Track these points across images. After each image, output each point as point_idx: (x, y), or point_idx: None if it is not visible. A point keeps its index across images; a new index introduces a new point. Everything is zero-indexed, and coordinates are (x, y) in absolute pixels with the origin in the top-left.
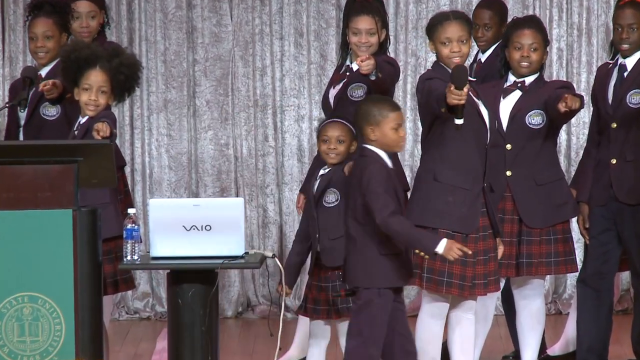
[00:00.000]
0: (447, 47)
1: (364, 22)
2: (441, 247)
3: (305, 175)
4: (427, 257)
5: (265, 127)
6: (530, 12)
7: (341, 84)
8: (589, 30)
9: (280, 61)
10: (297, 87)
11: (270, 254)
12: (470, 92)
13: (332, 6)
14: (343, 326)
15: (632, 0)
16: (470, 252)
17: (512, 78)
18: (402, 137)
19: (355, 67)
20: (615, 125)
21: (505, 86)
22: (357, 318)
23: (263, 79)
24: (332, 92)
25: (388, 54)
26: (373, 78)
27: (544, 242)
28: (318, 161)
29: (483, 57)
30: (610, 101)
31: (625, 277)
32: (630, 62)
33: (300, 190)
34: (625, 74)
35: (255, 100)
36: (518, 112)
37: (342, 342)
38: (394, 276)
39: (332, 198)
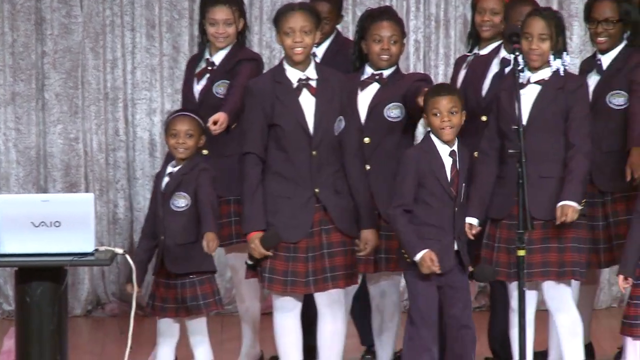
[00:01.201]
0: (290, 38)
1: (220, 13)
2: (418, 257)
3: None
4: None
5: (116, 120)
6: (387, 3)
7: (205, 80)
8: (446, 22)
9: (131, 53)
10: (149, 79)
11: (120, 251)
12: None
13: None
14: (193, 324)
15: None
16: (438, 271)
17: (369, 70)
18: (442, 124)
19: (218, 59)
20: (485, 118)
21: (362, 79)
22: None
23: (114, 71)
24: (197, 88)
25: (244, 43)
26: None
27: None
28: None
29: (319, 51)
30: (484, 94)
31: None
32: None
33: None
34: (508, 69)
35: (105, 94)
36: (376, 105)
37: (192, 340)
38: None
39: (181, 203)
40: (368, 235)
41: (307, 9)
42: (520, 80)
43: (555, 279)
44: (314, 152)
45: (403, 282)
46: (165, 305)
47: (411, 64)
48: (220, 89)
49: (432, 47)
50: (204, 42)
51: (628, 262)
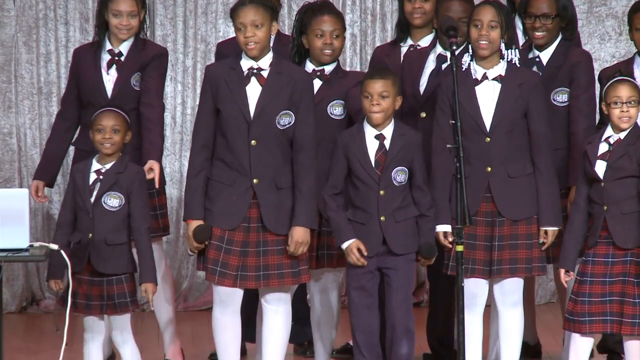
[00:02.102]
0: (242, 33)
1: (125, 4)
2: (344, 246)
3: None
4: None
5: (50, 115)
6: None
7: (116, 72)
8: (383, 16)
9: (65, 47)
10: None
11: (55, 247)
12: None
13: None
14: (118, 321)
15: None
16: (365, 264)
17: (310, 66)
18: (371, 107)
19: (124, 50)
20: (424, 115)
21: None
22: None
23: (47, 65)
24: (108, 78)
25: (145, 35)
26: None
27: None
28: (57, 144)
29: None
30: (422, 90)
31: (422, 269)
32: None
33: (36, 177)
34: (445, 65)
35: (39, 88)
36: (320, 102)
37: (117, 339)
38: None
39: (115, 202)
40: (294, 232)
41: (259, 1)
42: (474, 76)
43: (523, 275)
44: (252, 142)
45: (340, 278)
46: (90, 302)
47: (347, 58)
48: (136, 81)
49: (368, 41)
50: (103, 31)
51: (568, 255)
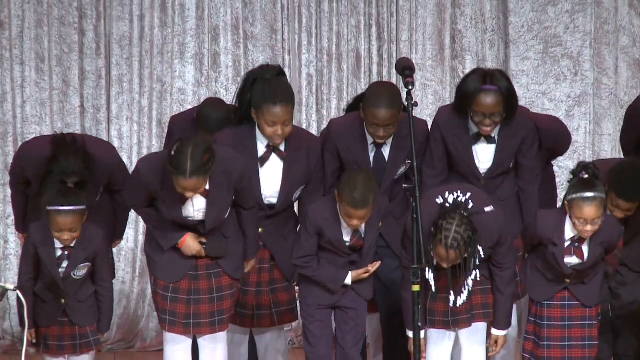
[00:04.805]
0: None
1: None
2: (348, 281)
3: None
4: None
5: (5, 155)
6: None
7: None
8: (339, 56)
9: (21, 87)
10: (38, 114)
11: (11, 287)
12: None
13: (74, 30)
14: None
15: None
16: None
17: (264, 140)
18: (351, 222)
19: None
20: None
21: (259, 155)
22: None
23: (3, 105)
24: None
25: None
26: None
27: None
28: (24, 197)
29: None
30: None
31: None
32: None
33: (21, 230)
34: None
35: None
36: (289, 191)
37: None
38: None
39: (84, 271)
40: (250, 263)
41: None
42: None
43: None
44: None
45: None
46: (62, 343)
47: (303, 98)
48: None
49: (324, 81)
50: None
51: None
